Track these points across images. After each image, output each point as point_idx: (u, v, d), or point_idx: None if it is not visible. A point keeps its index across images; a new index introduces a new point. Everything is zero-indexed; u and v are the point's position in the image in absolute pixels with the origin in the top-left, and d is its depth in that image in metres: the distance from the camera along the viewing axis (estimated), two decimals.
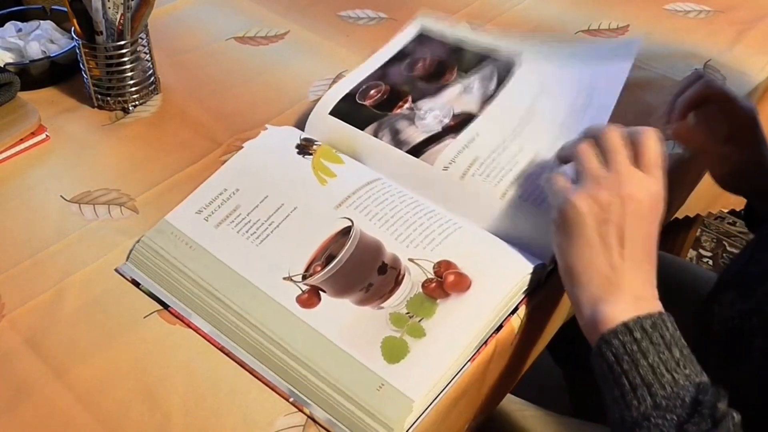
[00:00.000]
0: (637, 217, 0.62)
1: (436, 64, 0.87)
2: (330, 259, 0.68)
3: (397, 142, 0.79)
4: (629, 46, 0.87)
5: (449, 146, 0.77)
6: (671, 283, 0.95)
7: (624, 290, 0.60)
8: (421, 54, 0.89)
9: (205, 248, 0.70)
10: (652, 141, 0.63)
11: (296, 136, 0.81)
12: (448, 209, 0.73)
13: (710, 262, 1.84)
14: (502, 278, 0.66)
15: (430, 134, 0.79)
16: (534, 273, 0.67)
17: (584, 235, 0.62)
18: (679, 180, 0.91)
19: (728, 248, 1.87)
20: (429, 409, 0.61)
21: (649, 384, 0.55)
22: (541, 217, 0.71)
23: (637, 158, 0.63)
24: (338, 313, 0.65)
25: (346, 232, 0.70)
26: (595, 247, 0.61)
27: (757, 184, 0.80)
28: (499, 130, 0.79)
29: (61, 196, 0.80)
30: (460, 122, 0.80)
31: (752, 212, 0.84)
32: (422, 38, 0.93)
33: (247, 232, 0.71)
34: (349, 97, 0.84)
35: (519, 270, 0.67)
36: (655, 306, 0.60)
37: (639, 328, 0.57)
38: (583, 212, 0.62)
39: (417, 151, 0.78)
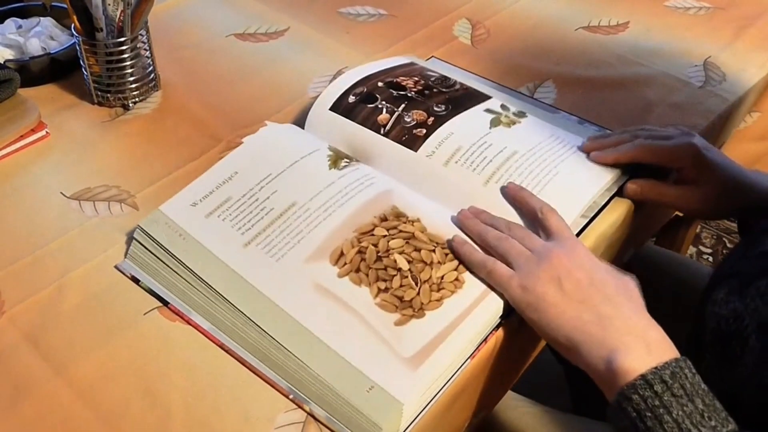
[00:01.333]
0: (580, 265, 0.64)
1: (428, 88, 0.86)
2: None
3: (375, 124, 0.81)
4: None
5: (431, 136, 0.79)
6: (671, 280, 0.95)
7: (625, 333, 0.59)
8: (418, 75, 0.89)
9: (197, 239, 0.70)
10: (553, 217, 0.69)
11: (302, 135, 0.81)
12: (432, 196, 0.74)
13: (710, 259, 1.84)
14: (487, 300, 0.66)
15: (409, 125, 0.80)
16: None
17: (554, 302, 0.62)
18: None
19: (728, 245, 1.87)
20: (429, 406, 0.61)
21: None
22: None
23: (547, 236, 0.68)
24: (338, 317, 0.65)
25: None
26: (569, 305, 0.62)
27: (734, 205, 0.79)
28: (475, 129, 0.80)
29: (61, 192, 0.80)
30: (435, 120, 0.81)
31: (743, 222, 0.83)
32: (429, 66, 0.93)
33: (243, 226, 0.71)
34: (348, 94, 0.84)
35: None
36: (669, 351, 0.59)
37: (659, 381, 0.56)
38: (540, 287, 0.63)
39: (398, 138, 0.80)
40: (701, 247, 1.87)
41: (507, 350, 0.68)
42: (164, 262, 0.69)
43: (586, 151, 0.79)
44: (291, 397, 0.61)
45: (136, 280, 0.70)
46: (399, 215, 0.71)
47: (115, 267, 0.71)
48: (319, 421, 0.60)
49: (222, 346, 0.65)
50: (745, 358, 0.62)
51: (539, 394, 0.90)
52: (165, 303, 0.68)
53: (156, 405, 0.60)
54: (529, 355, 0.76)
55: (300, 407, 0.60)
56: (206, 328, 0.66)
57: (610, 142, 0.79)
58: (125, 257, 0.72)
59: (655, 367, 0.56)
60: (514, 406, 0.87)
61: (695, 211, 0.80)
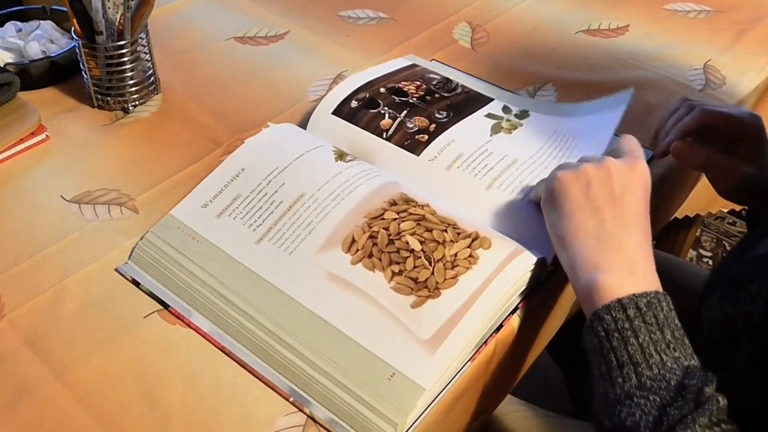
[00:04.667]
0: (622, 182, 0.64)
1: (430, 93, 0.87)
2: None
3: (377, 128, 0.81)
4: (620, 98, 0.86)
5: (433, 142, 0.79)
6: (671, 284, 0.95)
7: (615, 254, 0.60)
8: (419, 78, 0.90)
9: (211, 241, 0.71)
10: (628, 139, 0.70)
11: (302, 135, 0.81)
12: (435, 198, 0.74)
13: (710, 262, 1.84)
14: (503, 274, 0.66)
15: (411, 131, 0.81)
16: (535, 269, 0.67)
17: (570, 201, 0.64)
18: (678, 180, 0.91)
19: (728, 248, 1.87)
20: (430, 408, 0.61)
21: (636, 363, 0.55)
22: (529, 212, 0.72)
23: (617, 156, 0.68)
24: (350, 305, 0.65)
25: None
26: (582, 209, 0.63)
27: (756, 193, 0.79)
28: (476, 136, 0.81)
29: (61, 196, 0.80)
30: (437, 127, 0.82)
31: (753, 215, 0.83)
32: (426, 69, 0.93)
33: (254, 223, 0.71)
34: (351, 99, 0.85)
35: (521, 265, 0.66)
36: (653, 284, 0.60)
37: (633, 306, 0.57)
38: (568, 182, 0.65)
39: (400, 142, 0.80)
40: (701, 251, 1.87)
41: (506, 353, 0.68)
42: (170, 265, 0.69)
43: (659, 155, 0.79)
44: (291, 399, 0.61)
45: (136, 283, 0.70)
46: (408, 200, 0.71)
47: (116, 270, 0.71)
48: (319, 423, 0.60)
49: (222, 349, 0.65)
50: (738, 362, 0.62)
51: (539, 398, 0.90)
52: (165, 306, 0.68)
53: (155, 408, 0.60)
54: (529, 358, 0.76)
55: (300, 410, 0.60)
56: (207, 331, 0.66)
57: (671, 124, 0.79)
58: (128, 260, 0.72)
59: (633, 294, 0.57)
60: (513, 410, 0.87)
61: (729, 187, 0.80)
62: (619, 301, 0.57)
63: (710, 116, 0.76)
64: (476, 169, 0.76)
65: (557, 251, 0.65)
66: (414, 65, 0.93)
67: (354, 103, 0.84)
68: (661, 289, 0.60)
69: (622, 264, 0.60)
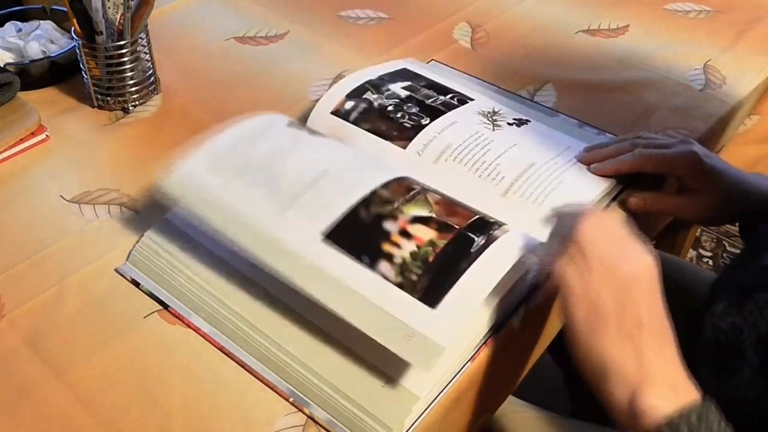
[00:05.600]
0: (643, 301, 0.59)
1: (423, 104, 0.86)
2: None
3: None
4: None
5: (420, 134, 0.79)
6: (671, 284, 0.95)
7: (655, 374, 0.57)
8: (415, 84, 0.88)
9: (207, 245, 0.70)
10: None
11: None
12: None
13: (710, 262, 1.84)
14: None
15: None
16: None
17: (606, 333, 0.59)
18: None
19: (728, 248, 1.87)
20: (429, 408, 0.61)
21: None
22: (520, 203, 0.72)
23: None
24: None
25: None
26: (617, 341, 0.58)
27: (736, 210, 0.78)
28: (468, 124, 0.80)
29: (61, 196, 0.80)
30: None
31: (744, 225, 0.83)
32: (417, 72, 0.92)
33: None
34: (347, 99, 0.84)
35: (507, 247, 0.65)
36: (693, 392, 0.57)
37: (685, 424, 0.54)
38: (601, 326, 0.59)
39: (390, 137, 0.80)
40: (701, 251, 1.87)
41: (507, 355, 0.68)
42: (168, 268, 0.69)
43: (585, 163, 0.78)
44: (291, 400, 0.61)
45: (136, 284, 0.70)
46: (414, 191, 0.68)
47: (116, 270, 0.71)
48: (319, 424, 0.60)
49: (222, 349, 0.65)
50: (742, 371, 0.62)
51: (540, 398, 0.90)
52: (165, 306, 0.68)
53: (155, 408, 0.60)
54: (530, 360, 0.76)
55: (300, 410, 0.60)
56: (206, 331, 0.66)
57: (609, 152, 0.78)
58: (126, 260, 0.72)
59: (682, 409, 0.54)
60: (514, 410, 0.87)
61: (699, 219, 0.80)
62: (670, 422, 0.54)
63: (645, 162, 0.76)
64: (464, 161, 0.76)
65: (588, 374, 0.60)
66: (406, 70, 0.91)
67: (350, 104, 0.83)
68: (700, 395, 0.57)
69: (663, 381, 0.57)
